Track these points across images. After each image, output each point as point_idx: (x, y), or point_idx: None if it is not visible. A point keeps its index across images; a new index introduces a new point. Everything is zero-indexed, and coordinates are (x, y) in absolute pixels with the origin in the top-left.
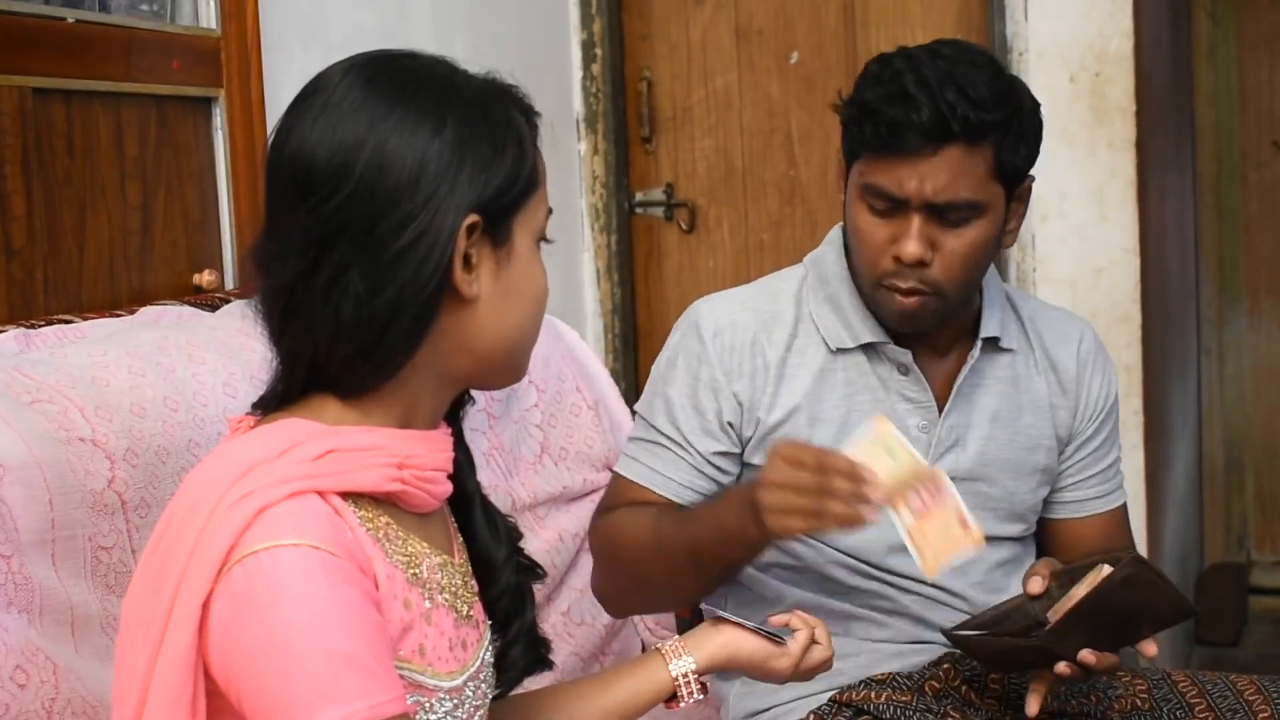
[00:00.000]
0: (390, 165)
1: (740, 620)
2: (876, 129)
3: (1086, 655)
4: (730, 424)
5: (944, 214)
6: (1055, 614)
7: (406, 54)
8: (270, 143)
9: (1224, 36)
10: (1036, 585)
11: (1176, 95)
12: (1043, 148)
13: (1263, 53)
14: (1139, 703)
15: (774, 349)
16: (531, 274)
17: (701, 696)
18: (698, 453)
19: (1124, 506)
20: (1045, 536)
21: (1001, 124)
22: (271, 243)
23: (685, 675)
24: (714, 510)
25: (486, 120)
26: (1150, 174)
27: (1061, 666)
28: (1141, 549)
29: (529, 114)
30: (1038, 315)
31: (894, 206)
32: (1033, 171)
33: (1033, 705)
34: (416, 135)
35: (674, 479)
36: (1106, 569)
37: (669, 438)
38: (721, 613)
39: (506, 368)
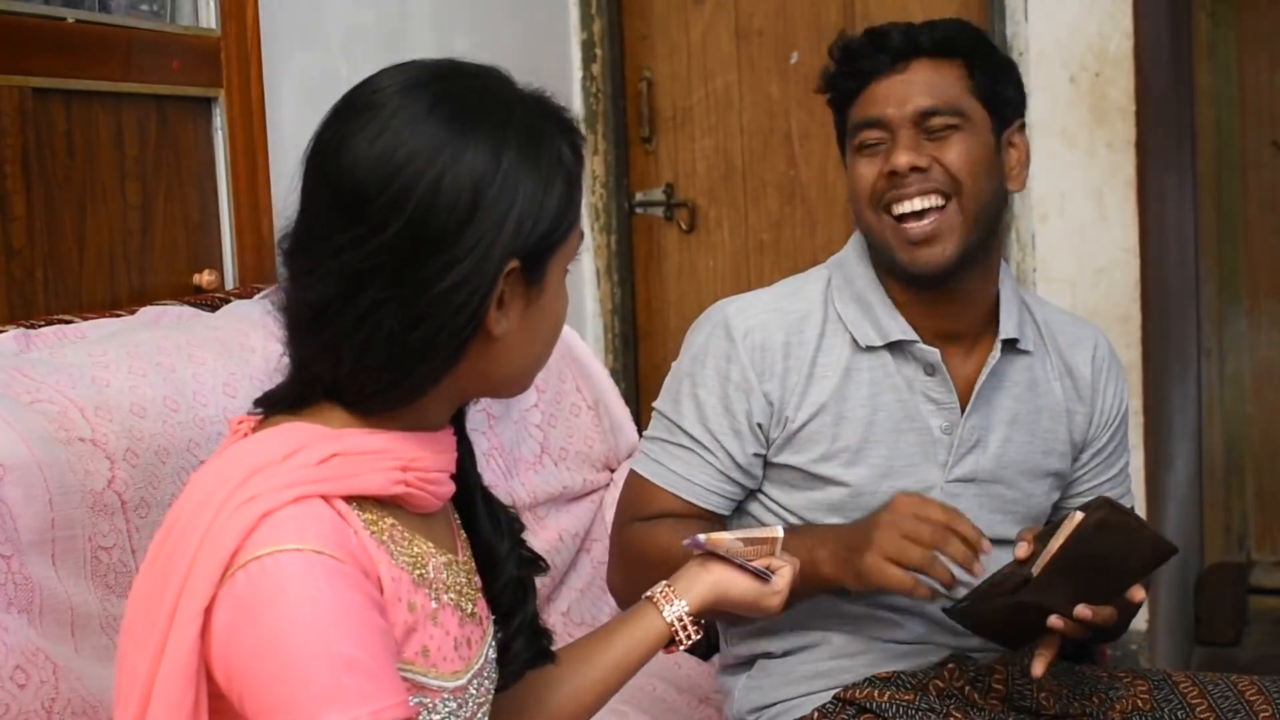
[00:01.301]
0: (442, 205)
1: (725, 554)
2: (851, 63)
3: (1082, 610)
4: (759, 425)
5: (927, 126)
6: (1038, 568)
7: (468, 73)
8: (314, 147)
9: (1224, 36)
10: (1022, 549)
11: (1176, 95)
12: (1043, 148)
13: (1263, 53)
14: (1140, 704)
15: (805, 349)
16: (556, 306)
17: (698, 636)
18: (727, 455)
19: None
20: None
21: (969, 44)
22: (307, 255)
23: (680, 618)
24: (802, 542)
25: (540, 159)
26: (1150, 174)
27: (1054, 620)
28: None
29: (574, 144)
30: (1052, 320)
31: (881, 135)
32: (1031, 165)
33: (1038, 667)
34: (472, 172)
35: (698, 483)
36: (1079, 515)
37: (696, 440)
38: (704, 537)
39: (516, 386)
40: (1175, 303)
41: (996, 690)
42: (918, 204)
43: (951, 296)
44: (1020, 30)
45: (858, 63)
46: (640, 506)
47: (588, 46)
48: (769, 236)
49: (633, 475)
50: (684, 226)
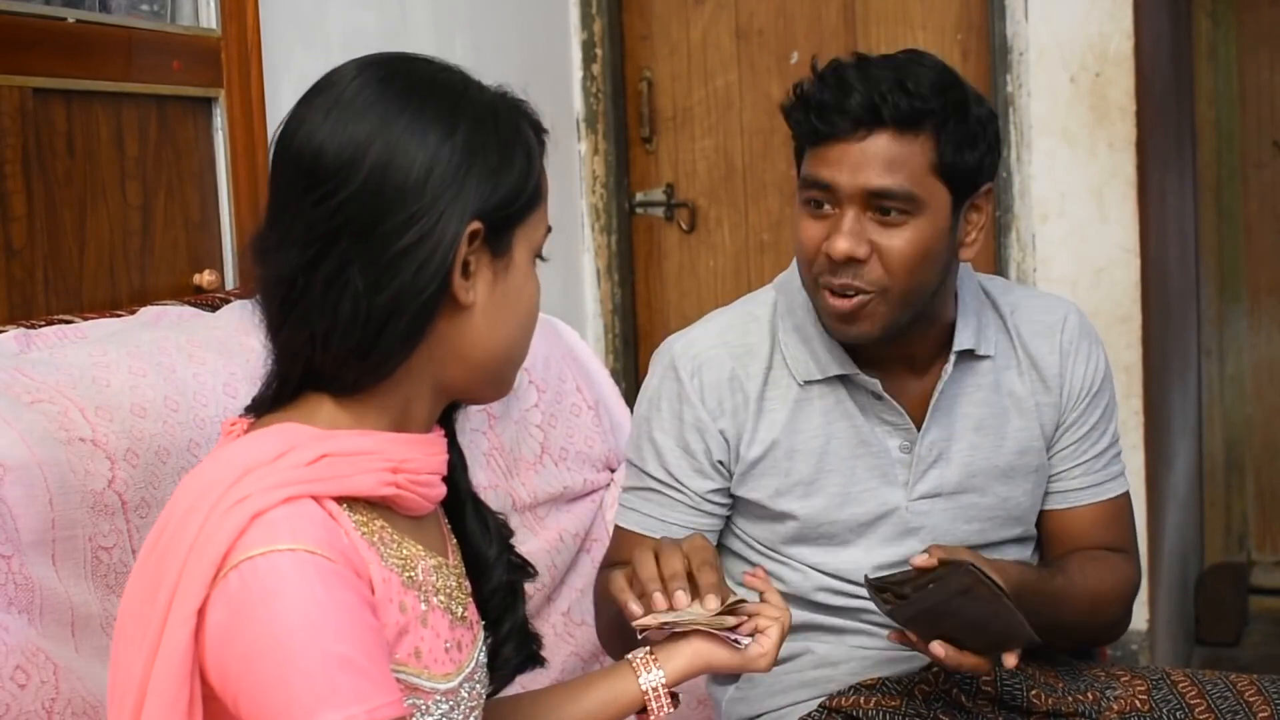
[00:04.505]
0: (398, 165)
1: (705, 625)
2: (808, 115)
3: (936, 648)
4: (720, 462)
5: (879, 207)
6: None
7: (423, 59)
8: (278, 133)
9: (1224, 36)
10: (920, 559)
11: (1176, 95)
12: (1043, 148)
13: (1263, 53)
14: (1138, 703)
15: (752, 383)
16: (526, 288)
17: (672, 709)
18: (693, 493)
19: (1122, 498)
20: (1039, 530)
21: (938, 114)
22: (273, 233)
23: (655, 689)
24: None
25: (497, 130)
26: (1150, 174)
27: (935, 647)
28: (1141, 549)
29: (538, 129)
30: (1019, 307)
31: (829, 201)
32: (1031, 165)
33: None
34: (427, 137)
35: (673, 522)
36: (944, 569)
37: (661, 481)
38: (662, 621)
39: (495, 380)
40: (1175, 303)
41: (985, 691)
42: (844, 280)
43: (895, 339)
44: (1020, 30)
45: (814, 119)
46: (617, 554)
47: (588, 46)
48: (769, 236)
49: (614, 529)
50: (684, 227)
